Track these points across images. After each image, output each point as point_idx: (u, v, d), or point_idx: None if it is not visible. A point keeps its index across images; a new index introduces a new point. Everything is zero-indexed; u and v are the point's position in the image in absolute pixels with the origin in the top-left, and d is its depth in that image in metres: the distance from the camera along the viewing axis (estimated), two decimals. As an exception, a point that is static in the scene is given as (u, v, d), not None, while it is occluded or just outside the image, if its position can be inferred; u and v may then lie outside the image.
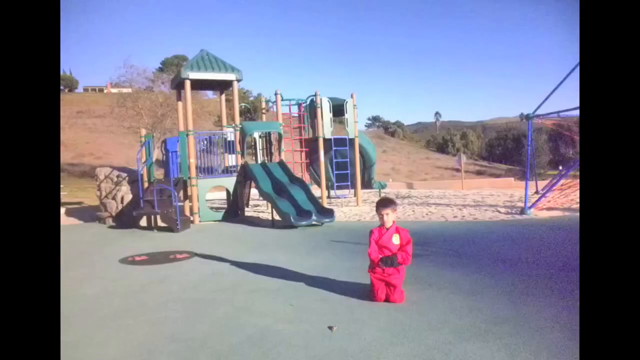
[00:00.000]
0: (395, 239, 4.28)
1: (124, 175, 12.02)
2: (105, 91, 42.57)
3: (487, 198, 15.16)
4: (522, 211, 10.68)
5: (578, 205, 11.73)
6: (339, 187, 15.10)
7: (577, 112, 13.06)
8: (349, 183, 14.78)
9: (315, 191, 13.86)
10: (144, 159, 11.61)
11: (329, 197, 15.55)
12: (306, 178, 14.34)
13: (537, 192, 14.35)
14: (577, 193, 12.57)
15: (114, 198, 11.80)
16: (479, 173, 51.10)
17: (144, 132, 12.37)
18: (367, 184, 16.54)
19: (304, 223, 9.59)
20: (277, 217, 10.32)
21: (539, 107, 11.87)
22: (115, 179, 11.96)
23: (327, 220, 10.03)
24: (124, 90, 35.77)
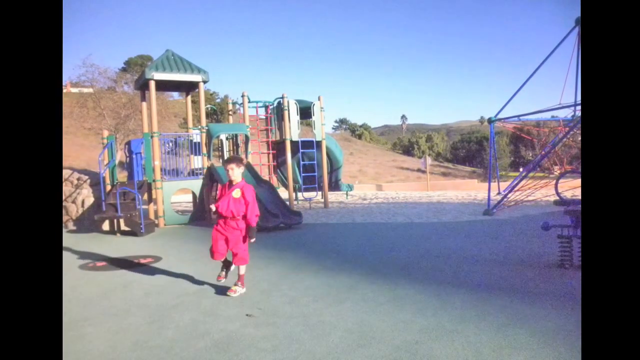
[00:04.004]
0: (236, 193, 4.59)
1: (85, 177, 11.63)
2: (64, 90, 41.05)
3: (451, 199, 15.50)
4: (486, 211, 10.97)
5: (537, 204, 12.15)
6: (306, 190, 15.12)
7: (535, 117, 13.55)
8: (316, 185, 14.82)
9: (283, 193, 13.82)
10: (106, 161, 11.27)
11: (296, 199, 15.53)
12: (273, 180, 14.28)
13: (499, 193, 14.80)
14: (537, 193, 13.02)
15: (74, 201, 11.39)
16: (444, 174, 52.17)
17: (106, 133, 12.01)
18: (334, 186, 16.64)
19: (271, 225, 9.54)
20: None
21: (500, 110, 12.24)
22: (75, 182, 11.56)
23: (294, 222, 10.01)
24: (85, 90, 34.57)
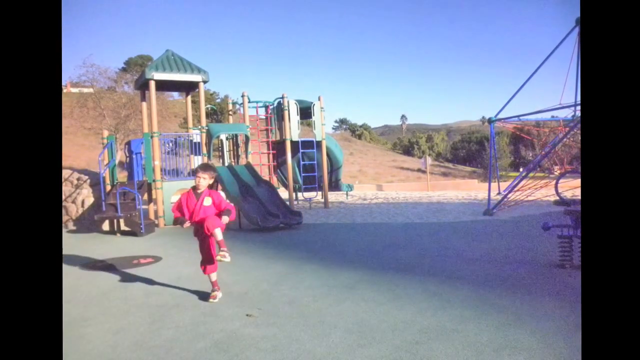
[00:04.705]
0: (206, 202, 4.52)
1: (85, 177, 11.64)
2: (64, 90, 41.14)
3: (451, 199, 15.50)
4: (486, 211, 10.97)
5: (537, 204, 12.14)
6: (306, 190, 15.12)
7: (535, 117, 13.55)
8: (317, 185, 14.81)
9: (283, 193, 13.82)
10: (106, 161, 11.28)
11: (296, 199, 15.53)
12: (273, 180, 14.27)
13: (499, 193, 14.80)
14: (537, 193, 13.02)
15: (74, 201, 11.40)
16: (444, 175, 52.15)
17: (106, 133, 12.02)
18: (334, 186, 16.63)
19: (271, 225, 9.54)
20: (244, 220, 10.22)
21: (500, 110, 12.24)
22: (75, 182, 11.57)
23: (294, 222, 10.00)
24: (85, 90, 34.58)
